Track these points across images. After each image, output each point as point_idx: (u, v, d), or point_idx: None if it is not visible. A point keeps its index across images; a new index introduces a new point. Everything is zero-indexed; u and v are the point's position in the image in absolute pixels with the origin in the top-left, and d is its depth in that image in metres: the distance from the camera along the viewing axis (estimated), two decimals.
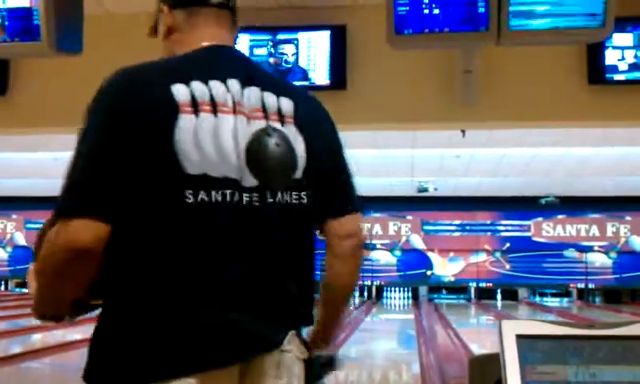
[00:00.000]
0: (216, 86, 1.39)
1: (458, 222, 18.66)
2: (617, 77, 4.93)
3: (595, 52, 4.88)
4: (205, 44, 1.48)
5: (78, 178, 1.34)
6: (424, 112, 5.06)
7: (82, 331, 10.91)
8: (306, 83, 5.06)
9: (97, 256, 1.30)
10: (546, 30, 3.97)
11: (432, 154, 11.90)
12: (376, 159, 12.45)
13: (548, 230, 18.42)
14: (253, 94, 1.42)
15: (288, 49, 5.10)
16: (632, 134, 9.43)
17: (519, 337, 1.08)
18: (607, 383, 1.05)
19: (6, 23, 4.15)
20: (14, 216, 20.36)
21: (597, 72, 4.92)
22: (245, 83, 1.42)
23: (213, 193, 1.33)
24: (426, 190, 15.69)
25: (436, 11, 4.02)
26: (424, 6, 4.03)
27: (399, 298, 18.88)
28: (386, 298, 18.95)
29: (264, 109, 1.41)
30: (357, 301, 18.45)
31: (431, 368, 7.52)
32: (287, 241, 1.42)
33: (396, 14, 4.04)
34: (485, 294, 18.56)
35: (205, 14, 1.50)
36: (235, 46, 1.55)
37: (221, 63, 1.45)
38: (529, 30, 3.98)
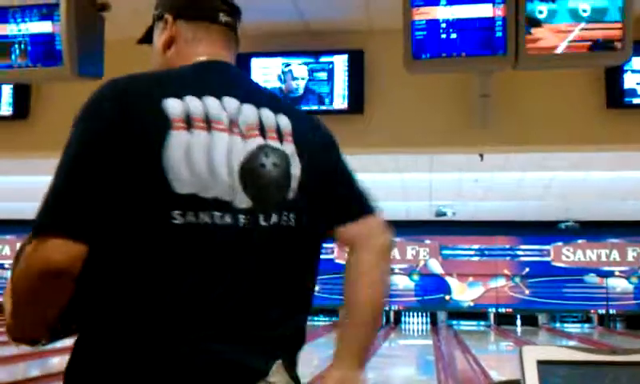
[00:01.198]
0: (211, 102, 1.31)
1: (476, 246, 18.54)
2: (635, 100, 4.89)
3: (614, 76, 4.86)
4: (203, 59, 1.42)
5: (55, 194, 1.24)
6: (441, 136, 5.06)
7: None
8: (323, 108, 5.09)
9: (72, 277, 1.20)
10: (564, 54, 3.96)
11: (450, 178, 11.87)
12: (394, 183, 12.44)
13: (568, 254, 18.25)
14: (250, 111, 1.34)
15: (303, 73, 5.12)
16: None
17: (540, 362, 1.06)
18: None
19: (29, 48, 4.22)
20: None
21: (615, 96, 4.90)
22: (243, 100, 1.35)
23: (201, 214, 1.23)
24: (444, 214, 15.63)
25: (453, 36, 4.03)
26: (441, 30, 4.04)
27: (417, 323, 18.74)
28: (405, 322, 18.81)
29: (261, 127, 1.34)
30: None
31: None
32: (278, 264, 1.33)
33: (413, 38, 4.06)
34: (504, 320, 18.37)
35: (211, 30, 1.44)
36: (233, 52, 1.49)
37: (218, 79, 1.38)
38: (547, 55, 3.97)
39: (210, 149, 1.26)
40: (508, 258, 18.44)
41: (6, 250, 20.70)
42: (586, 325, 18.28)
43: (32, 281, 1.21)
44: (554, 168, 10.52)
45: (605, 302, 17.91)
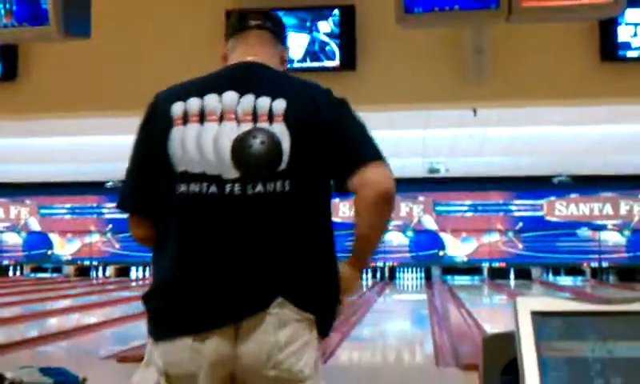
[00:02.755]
0: (210, 99, 1.72)
1: (470, 202, 18.61)
2: (629, 53, 4.86)
3: (607, 29, 4.81)
4: (230, 64, 1.84)
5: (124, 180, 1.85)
6: (434, 92, 5.03)
7: (96, 315, 11.01)
8: (315, 65, 5.04)
9: (149, 237, 1.80)
10: (557, 6, 3.92)
11: (444, 135, 11.84)
12: (387, 140, 12.40)
13: (561, 209, 18.34)
14: (247, 101, 1.70)
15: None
16: None
17: (534, 313, 1.07)
18: (625, 359, 1.03)
19: (14, 8, 4.15)
20: (27, 202, 20.49)
21: (609, 49, 4.85)
22: (244, 92, 1.72)
23: (192, 185, 1.67)
24: (437, 170, 15.64)
25: None
26: None
27: (412, 279, 18.90)
28: (399, 278, 18.97)
29: (254, 113, 1.69)
30: (369, 282, 18.48)
31: (444, 348, 7.53)
32: (271, 223, 1.68)
33: None
34: (498, 274, 18.54)
35: (242, 37, 1.86)
36: (274, 58, 1.87)
37: (226, 78, 1.79)
38: (540, 7, 3.93)
39: (199, 136, 1.69)
40: (501, 213, 18.53)
41: (0, 213, 20.68)
42: (579, 277, 18.47)
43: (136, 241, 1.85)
44: (547, 123, 10.50)
45: (597, 255, 18.06)
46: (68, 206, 20.27)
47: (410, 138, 12.08)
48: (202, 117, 1.71)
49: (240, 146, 1.66)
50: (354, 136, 1.77)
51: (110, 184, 18.73)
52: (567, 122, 10.44)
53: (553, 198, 18.31)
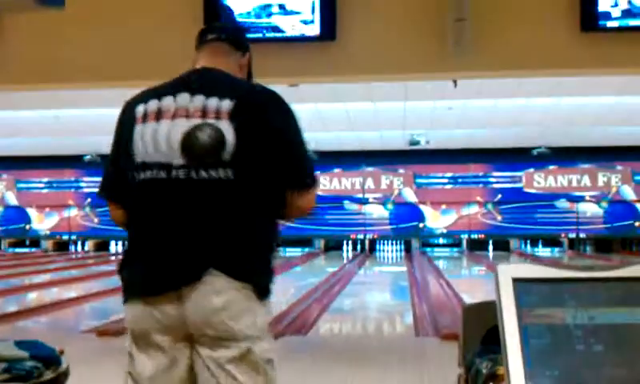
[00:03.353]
0: (166, 100, 2.00)
1: (450, 174, 18.68)
2: (610, 24, 4.86)
3: None
4: (190, 70, 2.11)
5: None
6: (415, 62, 5.00)
7: (76, 289, 10.95)
8: (295, 34, 4.99)
9: (123, 222, 2.13)
10: None
11: (424, 106, 11.83)
12: (367, 112, 12.38)
13: (539, 180, 18.48)
14: (198, 100, 1.97)
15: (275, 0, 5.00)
16: (624, 82, 9.39)
17: (516, 280, 1.06)
18: (606, 325, 1.03)
19: None
20: (4, 176, 20.23)
21: (589, 19, 4.85)
22: (194, 93, 1.98)
23: (147, 172, 1.97)
24: (417, 143, 15.65)
25: None
26: None
27: (392, 251, 19.00)
28: (379, 250, 19.06)
29: (203, 110, 1.95)
30: (350, 254, 18.56)
31: (424, 318, 7.59)
32: (211, 204, 1.94)
33: None
34: (477, 246, 18.70)
35: (203, 50, 2.14)
36: (230, 65, 2.13)
37: (182, 81, 2.05)
38: None
39: (155, 132, 1.97)
40: (481, 186, 18.64)
41: None
42: (557, 248, 18.67)
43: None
44: (527, 94, 10.52)
45: (575, 226, 18.26)
46: (45, 180, 20.05)
47: (390, 109, 12.05)
48: (158, 116, 1.99)
49: (187, 137, 1.93)
50: (296, 153, 2.04)
51: (87, 158, 18.54)
52: (546, 93, 10.47)
53: (531, 170, 18.44)
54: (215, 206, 1.95)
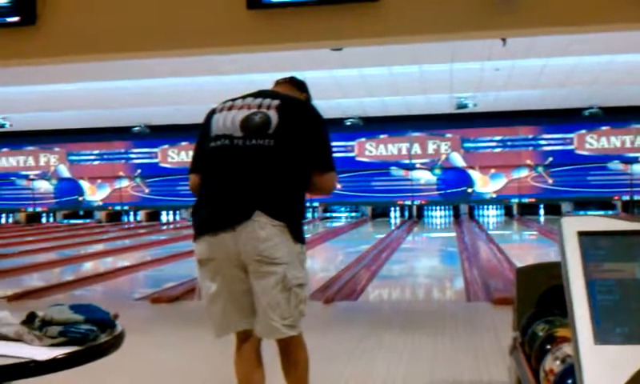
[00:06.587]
0: (237, 101, 2.86)
1: (498, 137, 18.36)
2: None
3: None
4: (262, 89, 2.95)
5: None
6: (462, 20, 4.86)
7: (129, 258, 11.17)
8: None
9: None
10: None
11: (471, 68, 11.59)
12: (413, 76, 12.19)
13: (591, 142, 18.03)
14: (257, 100, 2.82)
15: None
16: None
17: (581, 234, 1.00)
18: None
19: None
20: (56, 149, 20.69)
21: None
22: (256, 97, 2.85)
23: (218, 141, 2.77)
24: (465, 106, 15.38)
25: None
26: None
27: (440, 217, 18.84)
28: (428, 216, 18.93)
29: (260, 105, 2.79)
30: (398, 220, 18.47)
31: (475, 283, 7.51)
32: (257, 163, 2.71)
33: None
34: (527, 210, 18.40)
35: (275, 84, 3.09)
36: (290, 92, 3.01)
37: (255, 93, 2.89)
38: None
39: (225, 116, 2.80)
40: (531, 149, 18.28)
41: (30, 162, 20.94)
42: (610, 212, 18.24)
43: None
44: (578, 53, 10.20)
45: (629, 189, 17.79)
46: (96, 152, 20.44)
47: (436, 71, 11.84)
48: (230, 108, 2.83)
49: (246, 119, 2.76)
50: (321, 144, 2.84)
51: (136, 129, 18.80)
52: (597, 51, 10.13)
53: (583, 132, 17.99)
54: (260, 164, 2.71)
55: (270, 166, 2.70)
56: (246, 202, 2.66)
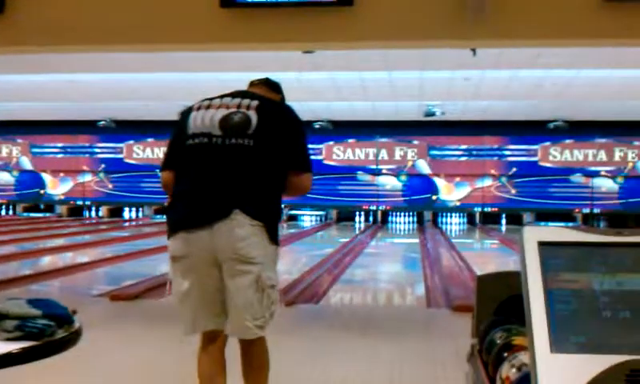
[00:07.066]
0: (215, 100, 2.86)
1: (464, 146, 18.55)
2: None
3: None
4: (239, 90, 2.97)
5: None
6: (434, 29, 4.92)
7: (89, 254, 11.02)
8: None
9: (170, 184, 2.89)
10: None
11: (441, 76, 11.69)
12: (383, 82, 12.26)
13: (555, 154, 18.32)
14: (236, 100, 2.83)
15: None
16: None
17: (542, 244, 1.02)
18: (635, 292, 0.99)
19: None
20: (19, 140, 20.31)
21: None
22: (234, 97, 2.85)
23: (196, 139, 2.77)
24: (433, 114, 15.51)
25: None
26: None
27: (404, 223, 18.96)
28: (392, 222, 19.03)
29: (239, 105, 2.80)
30: (362, 225, 18.54)
31: (436, 289, 7.57)
32: (237, 162, 2.72)
33: None
34: (490, 219, 18.62)
35: (250, 86, 3.07)
36: (265, 93, 2.98)
37: (232, 93, 2.89)
38: None
39: (203, 115, 2.80)
40: (495, 158, 18.51)
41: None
42: (570, 224, 18.54)
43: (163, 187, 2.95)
44: (546, 65, 10.36)
45: (589, 202, 18.12)
46: (60, 144, 20.12)
47: (406, 78, 11.93)
48: (208, 107, 2.82)
49: (225, 118, 2.77)
50: (299, 145, 2.87)
51: (102, 123, 18.55)
52: (566, 64, 10.30)
53: (547, 144, 18.28)
54: (239, 163, 2.72)
55: (249, 166, 2.71)
56: (225, 200, 2.66)
